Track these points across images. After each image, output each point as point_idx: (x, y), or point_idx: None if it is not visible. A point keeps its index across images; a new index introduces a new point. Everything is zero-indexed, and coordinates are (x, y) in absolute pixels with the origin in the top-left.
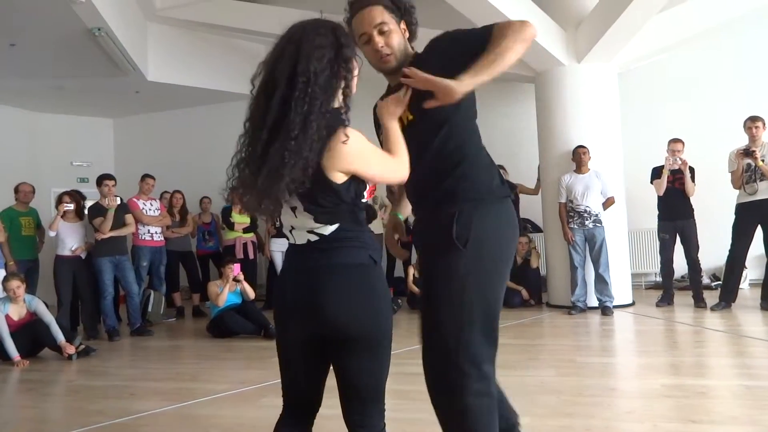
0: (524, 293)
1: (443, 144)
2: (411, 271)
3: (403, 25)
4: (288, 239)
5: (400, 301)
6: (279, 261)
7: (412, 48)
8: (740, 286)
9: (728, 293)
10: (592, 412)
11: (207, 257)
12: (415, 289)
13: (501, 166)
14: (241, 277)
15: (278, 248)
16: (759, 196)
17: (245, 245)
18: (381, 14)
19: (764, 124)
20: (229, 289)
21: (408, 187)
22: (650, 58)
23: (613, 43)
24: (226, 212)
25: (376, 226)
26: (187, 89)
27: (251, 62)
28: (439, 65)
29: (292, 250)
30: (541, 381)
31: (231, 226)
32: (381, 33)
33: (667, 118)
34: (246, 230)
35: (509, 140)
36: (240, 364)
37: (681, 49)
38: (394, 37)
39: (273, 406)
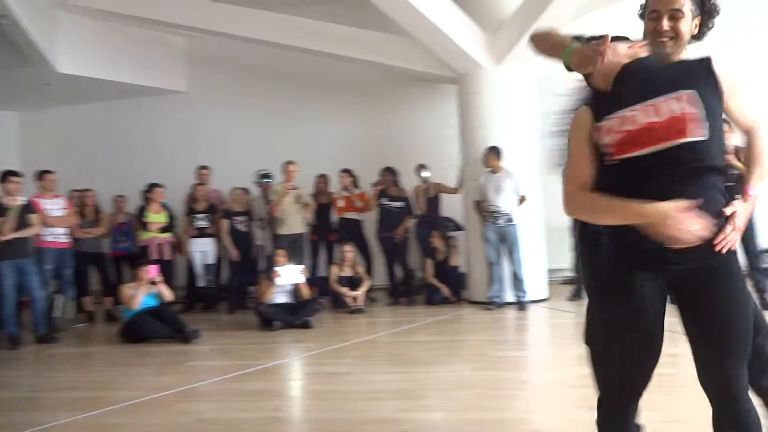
0: (445, 290)
1: None
2: (334, 270)
3: (697, 21)
4: None
5: (322, 300)
6: (198, 262)
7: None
8: None
9: None
10: (506, 404)
11: (121, 259)
12: (338, 288)
13: (423, 165)
14: (158, 278)
15: (198, 249)
16: None
17: (161, 246)
18: (683, 1)
19: None
20: (145, 292)
21: None
22: None
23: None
24: (141, 212)
25: (298, 226)
26: (102, 82)
27: (172, 57)
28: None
29: None
30: (459, 376)
31: (145, 227)
32: (671, 18)
33: None
34: (163, 230)
35: (433, 140)
36: (154, 369)
37: None
38: (683, 25)
39: (189, 411)
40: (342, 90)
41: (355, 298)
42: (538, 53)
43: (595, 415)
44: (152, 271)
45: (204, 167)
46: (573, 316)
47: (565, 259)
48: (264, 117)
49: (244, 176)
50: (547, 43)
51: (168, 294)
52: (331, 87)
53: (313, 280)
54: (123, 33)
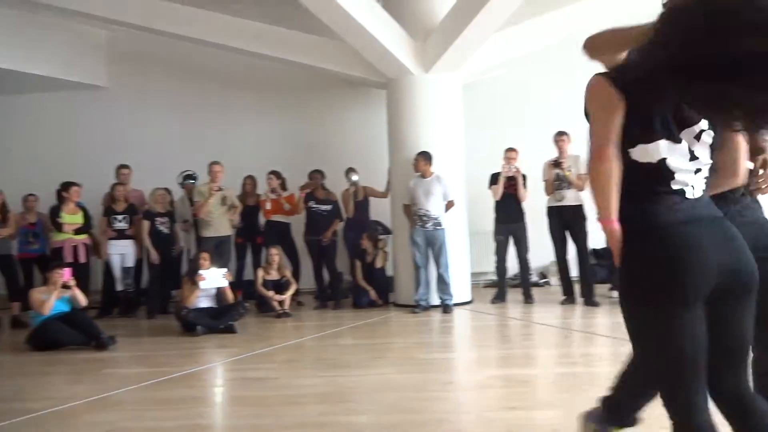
0: (372, 293)
1: None
2: (261, 273)
3: None
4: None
5: (247, 304)
6: (117, 264)
7: None
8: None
9: (567, 290)
10: (428, 406)
11: (30, 261)
12: (264, 291)
13: (352, 168)
14: (72, 282)
15: (116, 251)
16: (564, 203)
17: (75, 248)
18: None
19: (569, 137)
20: (57, 296)
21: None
22: (491, 72)
23: (458, 56)
24: (55, 212)
25: (224, 228)
26: (14, 74)
27: (92, 50)
28: None
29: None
30: (385, 379)
31: (59, 227)
32: None
33: (504, 128)
34: (78, 231)
35: (363, 144)
36: (65, 378)
37: (517, 65)
38: None
39: (100, 422)
40: (271, 91)
41: (281, 302)
42: (599, 55)
43: (514, 414)
44: (65, 274)
45: (124, 166)
46: (495, 318)
47: (488, 263)
48: (189, 115)
49: (167, 176)
50: (614, 41)
51: (82, 299)
52: (259, 87)
53: (239, 284)
54: (37, 22)
